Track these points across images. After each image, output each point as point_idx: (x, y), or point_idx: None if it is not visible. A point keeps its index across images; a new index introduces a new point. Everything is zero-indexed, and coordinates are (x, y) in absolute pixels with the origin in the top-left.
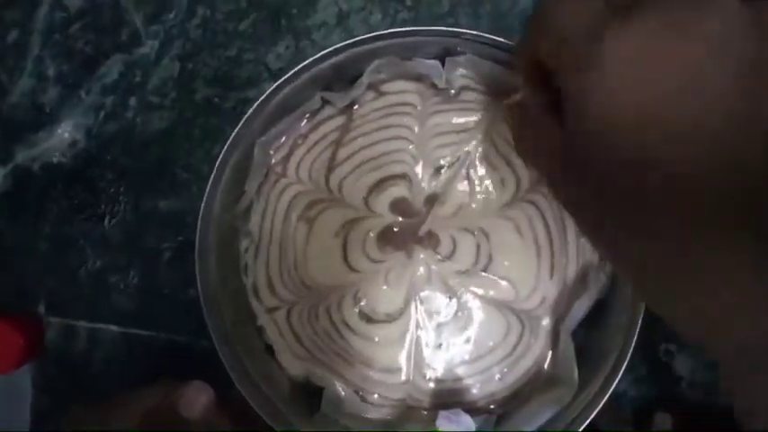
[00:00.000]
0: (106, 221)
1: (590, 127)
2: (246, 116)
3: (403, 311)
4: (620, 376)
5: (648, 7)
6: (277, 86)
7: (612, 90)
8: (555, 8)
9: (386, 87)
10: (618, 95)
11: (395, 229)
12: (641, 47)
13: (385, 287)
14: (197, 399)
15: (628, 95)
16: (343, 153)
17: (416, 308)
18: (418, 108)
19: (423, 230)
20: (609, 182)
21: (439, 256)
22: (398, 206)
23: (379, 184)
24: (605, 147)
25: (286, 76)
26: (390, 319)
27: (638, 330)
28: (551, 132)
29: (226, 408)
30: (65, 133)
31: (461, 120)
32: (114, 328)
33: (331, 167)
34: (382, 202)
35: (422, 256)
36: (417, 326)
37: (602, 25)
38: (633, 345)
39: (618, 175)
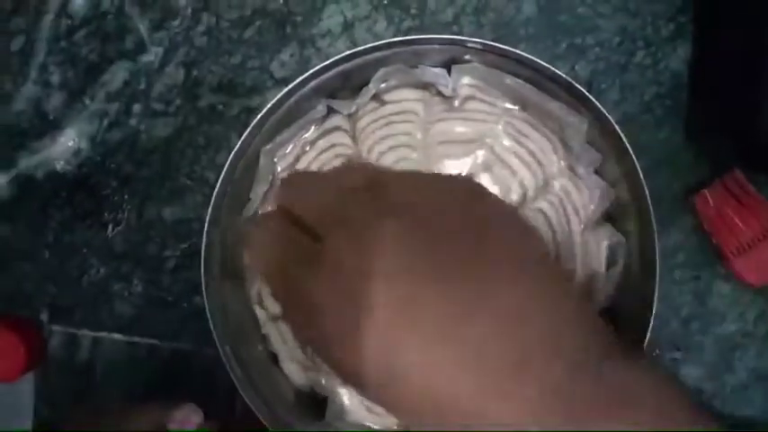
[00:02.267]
0: (110, 229)
1: None
2: (252, 124)
3: None
4: None
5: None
6: (283, 95)
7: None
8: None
9: (388, 96)
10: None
11: None
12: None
13: None
14: (187, 422)
15: None
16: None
17: None
18: (421, 116)
19: None
20: None
21: None
22: None
23: None
24: None
25: (293, 84)
26: None
27: (647, 340)
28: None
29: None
30: (68, 140)
31: (465, 129)
32: (117, 336)
33: None
34: None
35: None
36: None
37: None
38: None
39: None
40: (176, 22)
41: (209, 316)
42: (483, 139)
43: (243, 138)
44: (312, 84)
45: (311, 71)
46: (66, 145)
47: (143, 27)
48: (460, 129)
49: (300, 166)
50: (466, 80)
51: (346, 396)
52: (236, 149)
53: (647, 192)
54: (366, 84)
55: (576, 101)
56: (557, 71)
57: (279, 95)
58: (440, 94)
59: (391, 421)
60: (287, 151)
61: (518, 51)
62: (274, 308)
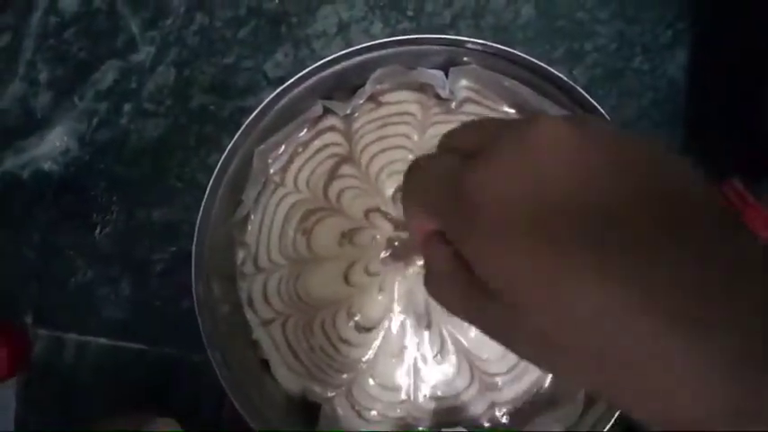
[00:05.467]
0: (97, 231)
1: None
2: (246, 123)
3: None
4: None
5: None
6: (277, 94)
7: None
8: (419, 181)
9: (385, 98)
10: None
11: (395, 243)
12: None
13: (380, 297)
14: None
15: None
16: (346, 169)
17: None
18: (418, 117)
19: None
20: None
21: None
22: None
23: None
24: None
25: (287, 84)
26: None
27: None
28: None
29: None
30: (56, 140)
31: None
32: (104, 340)
33: (332, 177)
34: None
35: (421, 266)
36: (417, 346)
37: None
38: None
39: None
40: (169, 21)
41: (198, 320)
42: None
43: (235, 138)
44: (307, 84)
45: (306, 70)
46: (54, 144)
47: (135, 26)
48: None
49: (294, 166)
50: (464, 82)
51: (339, 403)
52: (228, 149)
53: None
54: (362, 85)
55: (576, 105)
56: (557, 73)
57: (273, 95)
58: (437, 96)
59: (384, 428)
60: (280, 152)
61: (518, 53)
62: (265, 312)
